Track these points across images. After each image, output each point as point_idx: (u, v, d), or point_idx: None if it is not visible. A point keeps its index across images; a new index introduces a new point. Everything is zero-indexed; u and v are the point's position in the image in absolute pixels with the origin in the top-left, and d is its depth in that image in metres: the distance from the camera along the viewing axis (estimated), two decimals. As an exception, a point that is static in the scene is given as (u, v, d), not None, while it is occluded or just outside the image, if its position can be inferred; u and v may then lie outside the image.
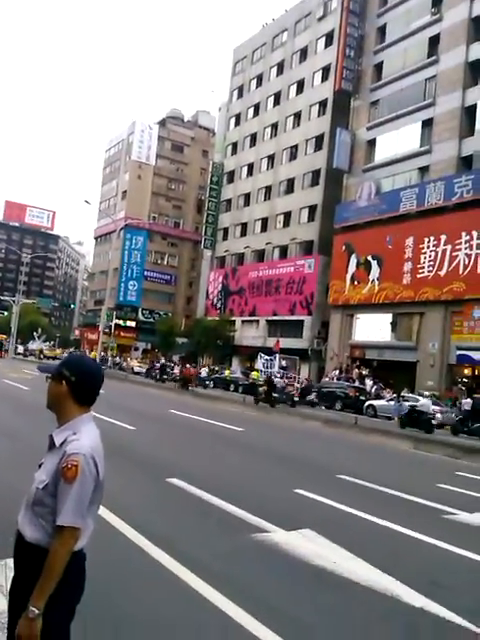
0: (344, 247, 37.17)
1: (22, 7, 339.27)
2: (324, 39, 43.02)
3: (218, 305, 50.07)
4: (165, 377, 36.61)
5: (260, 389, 26.52)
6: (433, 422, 20.73)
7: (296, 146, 44.79)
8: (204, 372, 38.76)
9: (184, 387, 30.83)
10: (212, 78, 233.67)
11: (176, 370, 37.87)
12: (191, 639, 3.46)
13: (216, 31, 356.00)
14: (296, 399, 28.08)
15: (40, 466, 2.18)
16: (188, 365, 36.91)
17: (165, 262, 67.09)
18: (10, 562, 3.58)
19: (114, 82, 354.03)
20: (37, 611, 1.91)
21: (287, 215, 44.70)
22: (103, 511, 2.27)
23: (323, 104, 42.39)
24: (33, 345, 64.17)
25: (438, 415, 22.55)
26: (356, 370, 34.38)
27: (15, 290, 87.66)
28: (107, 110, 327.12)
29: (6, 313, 70.13)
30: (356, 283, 36.15)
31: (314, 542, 5.40)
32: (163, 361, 42.56)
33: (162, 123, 70.36)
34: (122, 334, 58.02)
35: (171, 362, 45.11)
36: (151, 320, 60.09)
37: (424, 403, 21.49)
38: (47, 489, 2.07)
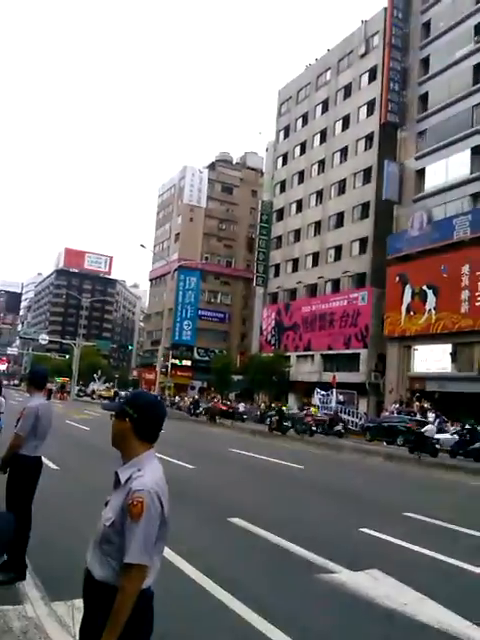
0: (398, 278, 36.67)
1: (77, 60, 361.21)
2: (367, 74, 43.58)
3: (272, 341, 50.07)
4: (198, 412, 38.50)
5: (272, 419, 29.38)
6: (437, 446, 22.15)
7: (344, 180, 45.04)
8: (242, 407, 39.72)
9: (212, 420, 33.47)
10: (259, 120, 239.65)
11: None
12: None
13: (262, 75, 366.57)
14: (314, 428, 29.30)
15: (106, 504, 2.19)
16: (215, 399, 40.07)
17: (218, 301, 68.02)
18: (77, 602, 3.72)
19: (166, 129, 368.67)
20: None
21: (338, 249, 44.68)
22: (166, 551, 2.30)
23: (369, 138, 42.64)
24: (93, 386, 65.79)
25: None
26: (417, 403, 33.35)
27: (76, 333, 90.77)
28: (160, 157, 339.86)
29: (68, 356, 72.37)
30: (412, 314, 35.44)
31: (382, 582, 5.28)
32: (196, 397, 44.70)
33: (211, 166, 72.43)
34: (178, 373, 58.70)
35: (228, 400, 45.23)
36: (206, 358, 60.62)
37: (429, 428, 23.15)
38: (114, 526, 2.08)
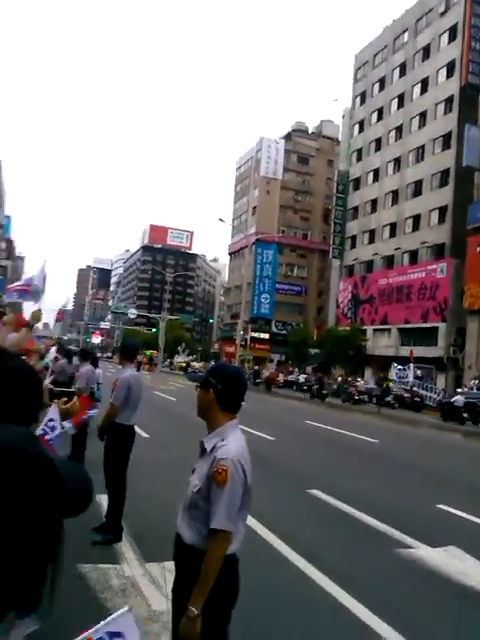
0: (479, 248, 35.14)
1: (154, 39, 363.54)
2: (447, 34, 41.19)
3: (348, 314, 49.66)
4: (258, 381, 40.63)
5: (313, 387, 33.10)
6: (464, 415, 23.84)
7: (422, 147, 43.27)
8: (302, 378, 41.59)
9: (268, 389, 36.23)
10: (335, 87, 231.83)
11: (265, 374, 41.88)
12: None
13: (337, 40, 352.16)
14: (356, 398, 31.27)
15: (193, 471, 2.31)
16: (273, 370, 44.65)
17: (295, 274, 67.91)
18: (168, 565, 4.13)
19: (243, 101, 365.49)
20: (196, 611, 2.01)
21: (416, 218, 43.26)
22: (249, 519, 2.59)
23: (449, 101, 40.54)
24: (178, 359, 68.28)
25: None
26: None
27: (161, 308, 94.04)
28: (238, 130, 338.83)
29: (154, 329, 75.19)
30: (494, 286, 33.99)
31: (461, 560, 5.27)
32: (256, 368, 47.14)
33: (287, 137, 71.52)
34: (257, 346, 59.65)
35: (305, 373, 45.73)
36: (284, 332, 61.06)
37: (457, 399, 25.00)
38: (200, 493, 2.18)
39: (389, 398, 30.62)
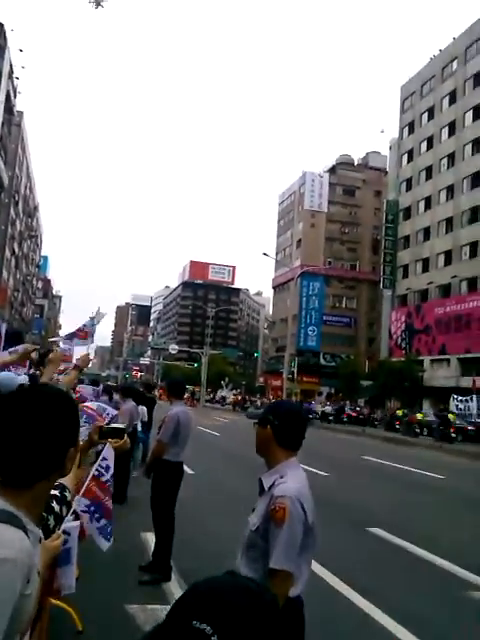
0: None
1: (193, 70, 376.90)
2: (500, 59, 40.74)
3: (403, 345, 48.18)
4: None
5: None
6: None
7: (477, 173, 42.36)
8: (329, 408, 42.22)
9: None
10: (380, 119, 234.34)
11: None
12: None
13: (382, 73, 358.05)
14: (417, 431, 31.36)
15: (253, 510, 2.23)
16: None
17: (343, 305, 66.95)
18: None
19: (286, 136, 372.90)
20: None
21: (473, 245, 42.02)
22: None
23: (505, 125, 39.75)
24: (222, 393, 67.57)
25: None
26: None
27: (202, 342, 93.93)
28: (280, 165, 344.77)
29: (196, 364, 75.00)
30: None
31: None
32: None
33: (332, 170, 71.74)
34: (305, 379, 58.42)
35: (358, 406, 44.33)
36: (333, 364, 59.76)
37: None
38: (258, 531, 2.11)
39: (451, 431, 28.99)
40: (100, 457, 2.87)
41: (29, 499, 1.22)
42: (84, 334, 5.91)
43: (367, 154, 73.58)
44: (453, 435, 28.25)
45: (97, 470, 2.83)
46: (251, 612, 0.72)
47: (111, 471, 2.92)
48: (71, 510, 2.25)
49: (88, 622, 3.65)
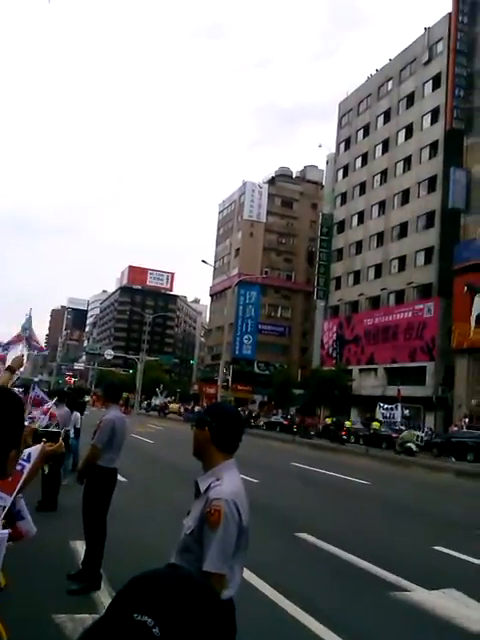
0: (466, 288, 35.26)
1: (137, 70, 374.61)
2: (431, 82, 42.70)
3: (334, 354, 49.24)
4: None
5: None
6: None
7: (408, 190, 44.08)
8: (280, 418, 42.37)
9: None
10: (318, 134, 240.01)
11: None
12: None
13: (321, 89, 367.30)
14: (344, 438, 32.19)
15: (188, 513, 2.22)
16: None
17: (279, 314, 67.80)
18: None
19: (226, 146, 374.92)
20: None
21: (402, 259, 43.62)
22: None
23: (434, 146, 41.61)
24: (156, 401, 66.70)
25: None
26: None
27: (139, 348, 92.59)
28: (220, 174, 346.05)
29: (131, 371, 73.86)
30: (482, 325, 33.93)
31: (461, 603, 5.01)
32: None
33: (271, 181, 72.80)
34: (239, 388, 58.63)
35: (289, 414, 44.78)
36: (267, 372, 60.24)
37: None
38: (193, 535, 2.11)
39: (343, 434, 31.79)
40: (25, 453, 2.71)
41: None
42: (17, 338, 5.71)
43: (305, 167, 75.11)
44: (379, 442, 29.40)
45: (20, 465, 2.65)
46: (192, 602, 0.71)
47: (32, 461, 2.73)
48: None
49: (15, 632, 3.39)
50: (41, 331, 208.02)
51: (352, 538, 7.53)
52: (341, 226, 53.07)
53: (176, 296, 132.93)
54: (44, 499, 7.64)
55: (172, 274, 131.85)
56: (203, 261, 46.67)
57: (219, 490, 2.09)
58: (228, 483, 2.13)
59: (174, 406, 60.34)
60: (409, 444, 27.10)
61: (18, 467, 2.53)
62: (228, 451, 2.24)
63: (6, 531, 2.37)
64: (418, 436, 30.38)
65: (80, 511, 5.15)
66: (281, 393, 50.94)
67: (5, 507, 2.18)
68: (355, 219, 51.06)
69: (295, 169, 77.21)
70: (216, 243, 78.91)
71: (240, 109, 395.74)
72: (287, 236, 69.84)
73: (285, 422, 40.70)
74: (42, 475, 7.22)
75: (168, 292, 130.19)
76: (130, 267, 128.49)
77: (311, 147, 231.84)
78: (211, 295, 78.38)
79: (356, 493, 12.63)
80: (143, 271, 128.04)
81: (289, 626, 4.29)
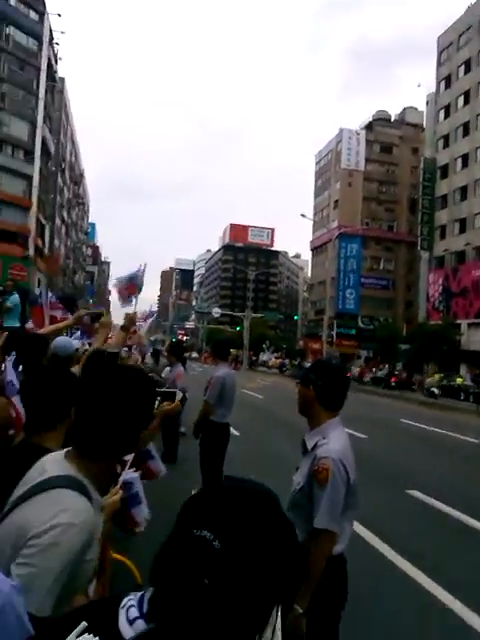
0: None
1: (239, 31, 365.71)
2: None
3: (440, 308, 47.75)
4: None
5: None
6: None
7: (516, 129, 40.80)
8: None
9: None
10: (418, 72, 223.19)
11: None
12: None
13: (419, 24, 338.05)
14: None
15: (297, 469, 2.29)
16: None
17: (381, 267, 66.20)
18: None
19: (322, 93, 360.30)
20: (300, 610, 1.97)
21: (511, 205, 40.89)
22: None
23: None
24: (263, 357, 68.62)
25: None
26: None
27: (244, 306, 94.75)
28: (316, 124, 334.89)
29: (238, 328, 75.98)
30: None
31: None
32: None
33: (369, 127, 69.81)
34: (343, 342, 58.65)
35: (395, 370, 44.60)
36: (371, 327, 59.63)
37: None
38: (303, 491, 2.16)
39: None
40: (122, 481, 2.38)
41: (99, 470, 1.29)
42: (132, 287, 4.85)
43: (404, 109, 71.01)
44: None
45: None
46: (251, 513, 0.71)
47: (140, 501, 2.67)
48: (128, 464, 2.32)
49: (148, 575, 4.40)
50: (153, 293, 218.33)
51: (463, 497, 7.53)
52: (444, 171, 50.24)
53: (277, 252, 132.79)
54: (165, 451, 7.86)
55: (272, 230, 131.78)
56: (302, 215, 46.15)
57: (326, 448, 2.11)
58: (335, 442, 2.13)
59: (275, 362, 62.02)
60: None
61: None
62: (333, 409, 2.23)
63: (136, 473, 2.58)
64: None
65: (198, 463, 5.45)
66: (386, 348, 50.51)
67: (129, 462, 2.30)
68: (459, 163, 48.06)
69: (394, 112, 73.41)
70: (314, 195, 77.63)
71: (330, 53, 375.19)
72: (387, 184, 67.21)
73: (393, 379, 40.65)
74: (162, 429, 7.83)
75: (269, 248, 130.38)
76: (231, 225, 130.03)
77: (410, 87, 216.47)
78: (312, 249, 77.77)
79: (470, 453, 12.45)
80: (244, 228, 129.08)
81: (400, 580, 4.47)
